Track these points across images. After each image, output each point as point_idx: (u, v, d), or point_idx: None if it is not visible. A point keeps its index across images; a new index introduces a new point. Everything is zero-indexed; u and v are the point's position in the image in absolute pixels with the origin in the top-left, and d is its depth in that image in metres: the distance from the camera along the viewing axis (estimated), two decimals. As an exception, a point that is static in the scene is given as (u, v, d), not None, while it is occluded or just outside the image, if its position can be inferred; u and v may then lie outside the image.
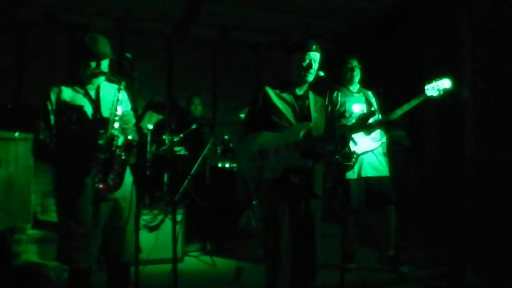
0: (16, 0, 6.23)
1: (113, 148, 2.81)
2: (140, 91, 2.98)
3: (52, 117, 2.81)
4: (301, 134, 3.04)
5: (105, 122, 2.82)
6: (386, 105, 4.45)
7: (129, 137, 2.88)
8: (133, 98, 2.95)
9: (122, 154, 2.85)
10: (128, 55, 2.76)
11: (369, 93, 4.52)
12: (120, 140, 2.85)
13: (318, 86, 3.18)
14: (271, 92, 3.10)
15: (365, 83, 4.56)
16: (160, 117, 6.19)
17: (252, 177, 3.15)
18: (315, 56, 3.07)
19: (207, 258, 4.91)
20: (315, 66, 3.07)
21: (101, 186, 2.76)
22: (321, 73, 3.05)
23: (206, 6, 6.50)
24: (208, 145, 5.60)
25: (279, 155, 3.02)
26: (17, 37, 6.92)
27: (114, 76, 2.92)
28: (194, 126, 5.84)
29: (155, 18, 7.05)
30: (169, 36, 7.69)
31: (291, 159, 3.02)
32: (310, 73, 3.05)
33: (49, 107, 2.81)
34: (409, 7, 6.26)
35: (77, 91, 2.88)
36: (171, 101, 6.36)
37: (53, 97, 2.82)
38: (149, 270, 4.14)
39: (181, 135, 5.82)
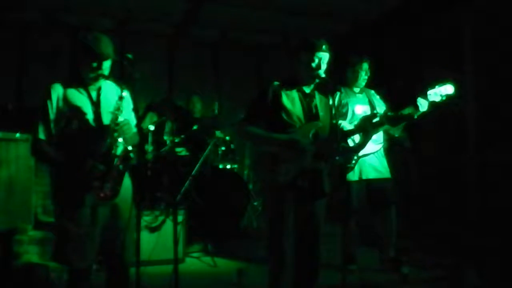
0: (18, 0, 6.23)
1: (112, 157, 2.78)
2: (141, 92, 2.97)
3: (52, 117, 2.77)
4: (311, 134, 3.03)
5: (105, 130, 2.80)
6: (388, 104, 4.45)
7: (129, 147, 2.85)
8: (134, 99, 2.95)
9: (120, 165, 2.82)
10: (129, 56, 2.74)
11: (372, 92, 4.51)
12: (119, 150, 2.82)
13: (321, 86, 3.17)
14: (282, 92, 3.06)
15: (366, 84, 4.55)
16: (161, 118, 6.19)
17: (263, 179, 3.12)
18: (324, 57, 3.04)
19: (208, 259, 4.91)
20: (324, 66, 3.05)
21: (97, 194, 2.75)
22: (323, 74, 3.04)
23: (207, 7, 6.51)
24: (209, 146, 5.60)
25: (292, 158, 3.00)
26: (18, 38, 6.93)
27: (115, 81, 2.91)
28: (195, 127, 5.85)
29: (156, 19, 7.06)
30: (170, 37, 7.70)
31: (304, 161, 3.00)
32: (319, 74, 3.01)
33: (49, 106, 2.77)
34: (410, 7, 6.26)
35: (78, 92, 2.84)
36: (172, 102, 6.37)
37: (53, 96, 2.78)
38: (150, 271, 4.14)
39: (182, 136, 5.83)
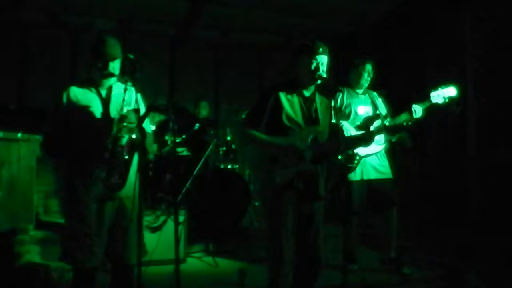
0: (19, 0, 6.25)
1: (118, 148, 2.82)
2: (142, 92, 2.99)
3: (62, 114, 2.84)
4: (310, 139, 3.04)
5: (111, 122, 2.84)
6: (389, 108, 4.46)
7: (133, 136, 2.88)
8: (138, 100, 2.98)
9: (125, 154, 2.86)
10: (131, 56, 2.78)
11: (375, 94, 4.51)
12: (124, 140, 2.86)
13: (322, 87, 3.17)
14: (283, 97, 3.05)
15: (369, 85, 4.55)
16: (162, 117, 6.20)
17: (261, 180, 3.14)
18: (322, 59, 3.04)
19: (209, 259, 4.91)
20: (323, 68, 3.05)
21: (104, 185, 2.78)
22: (324, 75, 3.04)
23: (208, 8, 6.52)
24: (211, 146, 5.60)
25: (289, 161, 3.01)
26: (19, 38, 6.94)
27: (122, 77, 2.94)
28: (196, 127, 5.85)
29: (157, 20, 7.07)
30: (172, 37, 7.71)
31: (302, 165, 3.01)
32: (318, 76, 3.01)
33: (60, 104, 2.84)
34: (411, 8, 6.26)
35: (89, 91, 2.91)
36: (173, 102, 6.37)
37: (65, 94, 2.85)
38: (152, 271, 4.14)
39: (184, 136, 5.83)
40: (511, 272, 4.17)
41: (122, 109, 2.86)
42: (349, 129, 4.21)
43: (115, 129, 2.82)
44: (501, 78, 5.13)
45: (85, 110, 2.85)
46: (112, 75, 2.88)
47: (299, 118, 3.08)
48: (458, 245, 5.02)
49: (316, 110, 3.14)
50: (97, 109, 2.88)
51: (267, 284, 3.07)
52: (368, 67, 4.41)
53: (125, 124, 2.83)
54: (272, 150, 3.03)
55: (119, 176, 2.83)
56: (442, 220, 5.63)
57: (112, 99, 2.94)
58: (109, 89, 2.97)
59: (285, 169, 3.00)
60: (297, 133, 3.05)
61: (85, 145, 2.82)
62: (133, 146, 2.89)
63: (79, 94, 2.88)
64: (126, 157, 2.87)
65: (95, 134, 2.82)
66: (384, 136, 4.25)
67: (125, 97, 2.88)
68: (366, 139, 3.30)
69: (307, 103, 3.13)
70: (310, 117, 3.12)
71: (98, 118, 2.87)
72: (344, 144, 3.16)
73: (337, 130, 3.19)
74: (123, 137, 2.85)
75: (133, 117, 2.85)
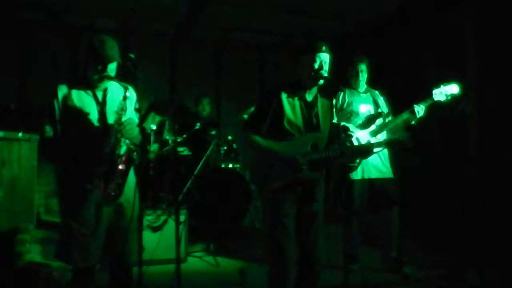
0: (19, 0, 6.25)
1: (115, 158, 2.80)
2: (143, 91, 2.98)
3: (57, 117, 2.80)
4: (309, 146, 3.03)
5: (109, 130, 2.81)
6: (390, 107, 4.46)
7: (133, 147, 2.86)
8: (136, 98, 2.96)
9: (123, 166, 2.83)
10: (132, 56, 2.74)
11: (376, 92, 4.51)
12: (123, 150, 2.83)
13: (324, 87, 3.15)
14: (285, 100, 3.03)
15: (370, 84, 4.55)
16: (163, 117, 6.20)
17: (259, 182, 3.13)
18: (325, 58, 3.02)
19: (210, 259, 4.92)
20: (326, 67, 3.02)
21: (101, 195, 2.77)
22: (326, 74, 3.02)
23: (209, 7, 6.52)
24: (212, 146, 5.60)
25: (288, 171, 2.99)
26: (20, 38, 6.94)
27: (120, 82, 2.92)
28: (197, 127, 5.85)
29: (158, 19, 7.07)
30: (173, 37, 7.71)
31: (299, 175, 3.00)
32: (321, 75, 2.98)
33: (56, 106, 2.79)
34: (412, 8, 6.25)
35: (84, 93, 2.86)
36: (175, 102, 6.37)
37: (60, 96, 2.80)
38: (152, 270, 4.14)
39: (185, 136, 5.83)
40: (511, 272, 4.17)
41: (120, 118, 2.83)
42: (352, 130, 4.19)
43: (113, 138, 2.79)
44: (502, 78, 5.13)
45: (82, 116, 2.81)
46: (110, 78, 2.84)
47: (299, 123, 3.06)
48: (458, 245, 5.02)
49: (317, 115, 3.11)
50: (94, 116, 2.84)
51: (268, 284, 3.07)
52: (362, 66, 4.41)
53: (123, 133, 2.80)
54: (272, 159, 3.02)
55: (115, 187, 2.80)
56: (443, 219, 5.63)
57: (108, 103, 2.89)
58: (105, 91, 2.92)
59: (282, 175, 3.00)
60: (297, 139, 3.04)
61: (82, 154, 2.78)
62: (130, 158, 2.87)
63: (76, 98, 2.82)
64: (124, 167, 2.83)
65: (93, 143, 2.79)
66: (386, 135, 4.25)
67: (124, 106, 2.85)
68: (365, 153, 3.32)
69: (308, 107, 3.10)
70: (311, 122, 3.10)
71: (96, 126, 2.83)
72: (343, 152, 3.13)
73: (337, 131, 3.18)
74: (121, 146, 2.82)
75: (132, 127, 2.82)
